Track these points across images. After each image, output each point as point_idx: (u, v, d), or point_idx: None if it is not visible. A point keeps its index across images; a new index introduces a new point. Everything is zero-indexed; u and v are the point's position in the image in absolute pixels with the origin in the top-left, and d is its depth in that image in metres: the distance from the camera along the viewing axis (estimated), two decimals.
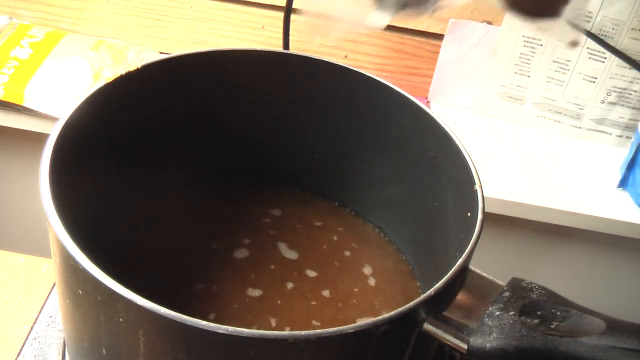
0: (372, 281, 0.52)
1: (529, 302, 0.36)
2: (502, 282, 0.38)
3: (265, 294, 0.49)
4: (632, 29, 0.80)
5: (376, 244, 0.55)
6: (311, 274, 0.52)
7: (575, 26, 0.37)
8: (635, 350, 0.32)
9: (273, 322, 0.47)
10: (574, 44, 0.39)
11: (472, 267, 0.38)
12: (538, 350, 0.34)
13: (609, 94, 0.85)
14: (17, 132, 0.81)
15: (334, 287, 0.51)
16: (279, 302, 0.49)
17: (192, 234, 0.54)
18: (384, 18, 0.39)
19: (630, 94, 0.85)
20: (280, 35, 0.75)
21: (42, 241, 0.42)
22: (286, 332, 0.31)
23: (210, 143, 0.54)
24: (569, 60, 0.84)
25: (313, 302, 0.49)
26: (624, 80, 0.84)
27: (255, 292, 0.49)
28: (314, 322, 0.48)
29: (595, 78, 0.84)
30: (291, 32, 0.75)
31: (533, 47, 0.84)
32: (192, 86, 0.50)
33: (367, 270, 0.53)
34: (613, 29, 0.80)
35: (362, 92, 0.51)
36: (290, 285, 0.50)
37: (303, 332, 0.31)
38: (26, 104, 0.77)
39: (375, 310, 0.50)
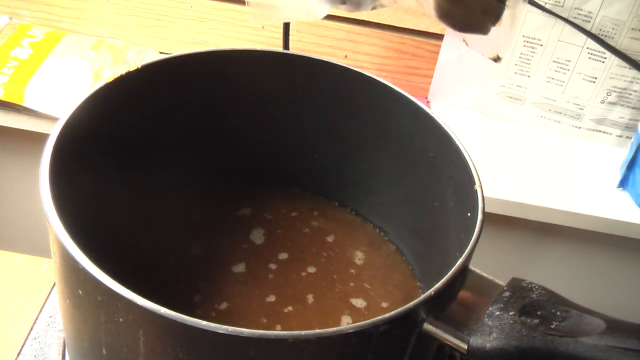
0: (371, 281, 0.52)
1: (529, 302, 0.36)
2: (502, 282, 0.38)
3: (270, 290, 0.49)
4: (632, 29, 0.80)
5: (376, 244, 0.55)
6: (310, 271, 0.52)
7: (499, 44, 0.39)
8: (635, 350, 0.32)
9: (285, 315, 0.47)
10: (497, 59, 0.41)
11: (472, 267, 0.38)
12: (538, 350, 0.34)
13: (609, 94, 0.85)
14: (17, 132, 0.81)
15: (332, 285, 0.51)
16: (288, 304, 0.49)
17: (192, 233, 0.54)
18: (323, 9, 0.40)
19: (630, 94, 0.85)
20: (280, 35, 0.75)
21: (42, 241, 0.42)
22: (286, 332, 0.31)
23: (210, 143, 0.54)
24: (569, 60, 0.84)
25: (312, 302, 0.49)
26: (624, 80, 0.84)
27: (257, 289, 0.49)
28: (312, 319, 0.48)
29: (595, 78, 0.84)
30: (291, 32, 0.75)
31: (533, 47, 0.84)
32: (192, 86, 0.50)
33: (367, 269, 0.53)
34: (613, 29, 0.80)
35: (362, 92, 0.51)
36: (290, 283, 0.50)
37: (303, 332, 0.31)
38: (26, 104, 0.77)
39: (375, 310, 0.50)
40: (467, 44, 0.40)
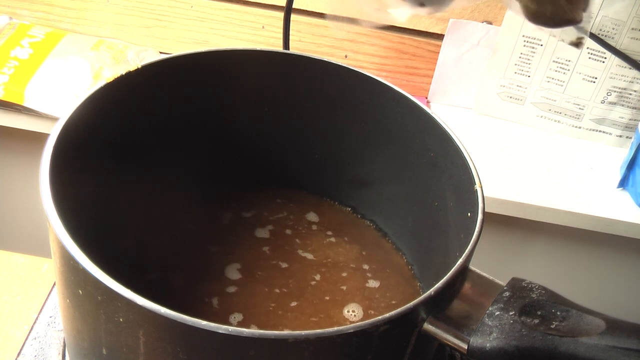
0: (371, 281, 0.52)
1: (529, 302, 0.36)
2: (502, 282, 0.38)
3: (270, 289, 0.49)
4: (632, 29, 0.80)
5: (376, 244, 0.55)
6: (310, 271, 0.52)
7: (581, 29, 0.39)
8: (635, 350, 0.32)
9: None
10: (579, 43, 0.41)
11: (472, 267, 0.38)
12: (538, 350, 0.34)
13: (609, 94, 0.85)
14: (17, 132, 0.81)
15: (332, 285, 0.51)
16: (288, 304, 0.49)
17: (192, 233, 0.54)
18: (403, 13, 0.40)
19: (630, 94, 0.85)
20: (280, 35, 0.75)
21: (42, 241, 0.42)
22: (286, 332, 0.31)
23: (210, 143, 0.54)
24: (569, 60, 0.84)
25: (313, 302, 0.49)
26: (624, 80, 0.84)
27: (257, 289, 0.49)
28: (312, 319, 0.48)
29: (595, 78, 0.84)
30: (291, 32, 0.75)
31: (533, 47, 0.84)
32: (192, 86, 0.50)
33: (367, 269, 0.53)
34: (613, 29, 0.80)
35: (362, 92, 0.51)
36: (290, 283, 0.50)
37: (303, 332, 0.31)
38: (26, 103, 0.77)
39: (375, 311, 0.50)
40: (553, 35, 0.40)
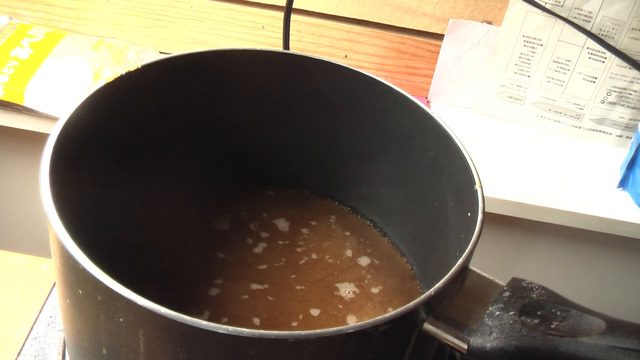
0: (371, 281, 0.52)
1: (529, 302, 0.36)
2: (502, 282, 0.38)
3: (270, 289, 0.49)
4: (632, 29, 0.80)
5: (376, 244, 0.55)
6: (311, 272, 0.52)
7: None
8: (635, 350, 0.32)
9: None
10: None
11: (472, 267, 0.38)
12: (538, 350, 0.34)
13: (609, 94, 0.85)
14: (17, 132, 0.81)
15: (331, 285, 0.51)
16: (287, 304, 0.49)
17: (191, 233, 0.54)
18: None
19: (630, 94, 0.85)
20: (280, 35, 0.75)
21: (42, 241, 0.42)
22: (286, 332, 0.31)
23: (210, 143, 0.54)
24: (569, 60, 0.84)
25: (314, 301, 0.49)
26: (624, 80, 0.84)
27: (260, 288, 0.49)
28: (312, 314, 0.48)
29: (595, 78, 0.84)
30: (291, 32, 0.75)
31: (533, 47, 0.84)
32: (192, 86, 0.50)
33: (367, 269, 0.53)
34: (613, 29, 0.80)
35: (362, 92, 0.51)
36: (292, 285, 0.50)
37: (303, 332, 0.31)
38: (26, 103, 0.77)
39: (375, 311, 0.50)
40: None
